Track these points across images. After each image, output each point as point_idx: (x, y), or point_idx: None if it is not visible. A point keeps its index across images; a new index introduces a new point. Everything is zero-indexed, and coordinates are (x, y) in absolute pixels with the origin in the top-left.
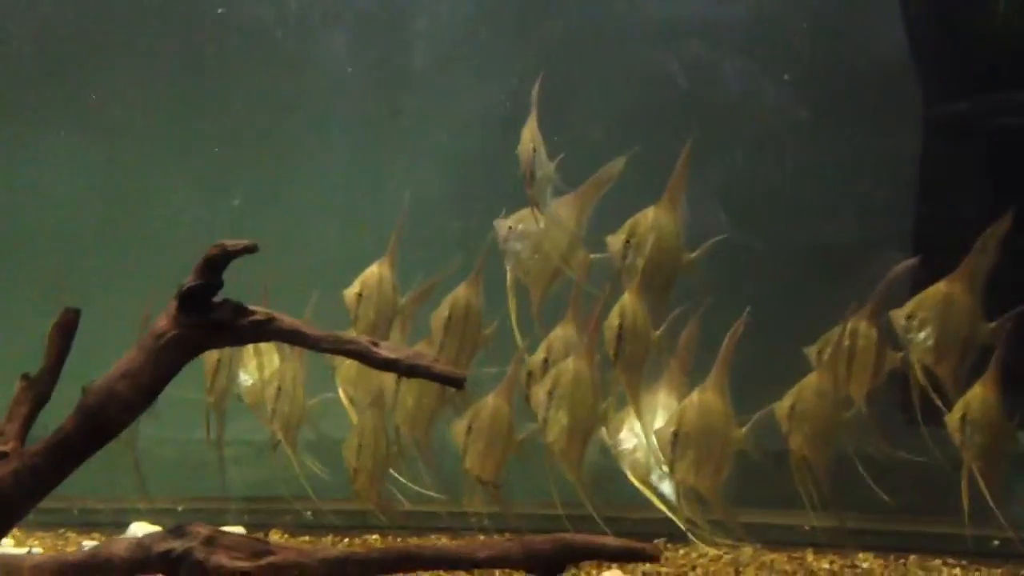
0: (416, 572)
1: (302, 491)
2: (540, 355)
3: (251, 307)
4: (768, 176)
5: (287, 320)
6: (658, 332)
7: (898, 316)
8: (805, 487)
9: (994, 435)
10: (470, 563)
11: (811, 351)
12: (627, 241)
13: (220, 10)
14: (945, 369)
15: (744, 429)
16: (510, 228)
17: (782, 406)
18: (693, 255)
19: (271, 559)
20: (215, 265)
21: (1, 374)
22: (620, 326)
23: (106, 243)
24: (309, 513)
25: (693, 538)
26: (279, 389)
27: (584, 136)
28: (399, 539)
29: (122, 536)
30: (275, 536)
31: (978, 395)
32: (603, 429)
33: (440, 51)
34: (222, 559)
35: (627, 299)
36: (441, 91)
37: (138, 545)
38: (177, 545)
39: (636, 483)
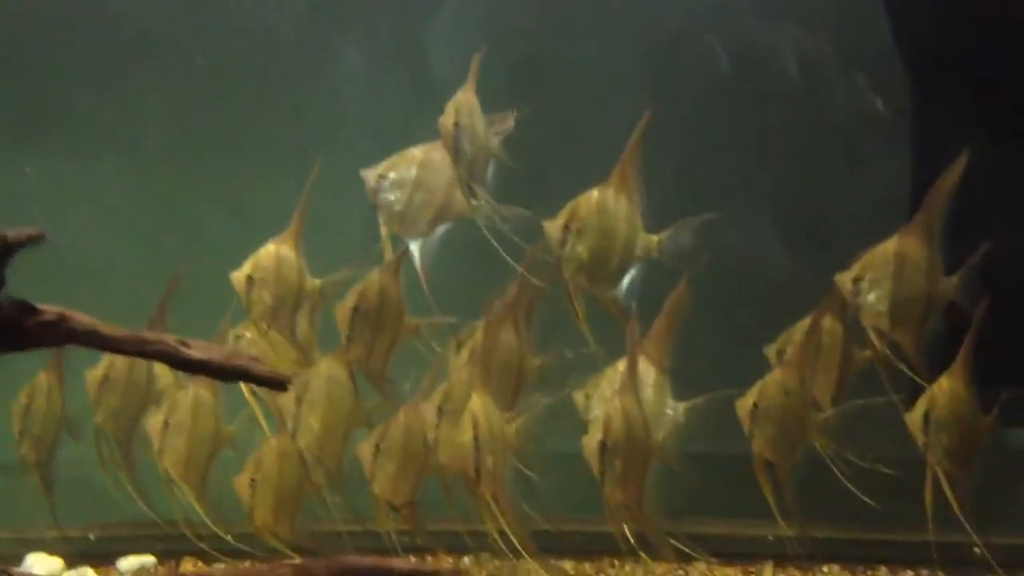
0: None
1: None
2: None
3: (41, 306)
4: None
5: (82, 320)
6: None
7: (844, 279)
8: (769, 494)
9: (963, 434)
10: None
11: (770, 350)
12: (566, 226)
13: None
14: (904, 334)
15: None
16: (380, 177)
17: (744, 404)
18: (657, 237)
19: None
20: None
21: None
22: (356, 308)
23: None
24: (230, 537)
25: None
26: (166, 423)
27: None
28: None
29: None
30: (188, 565)
31: (945, 388)
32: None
33: None
34: None
35: (373, 278)
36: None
37: None
38: None
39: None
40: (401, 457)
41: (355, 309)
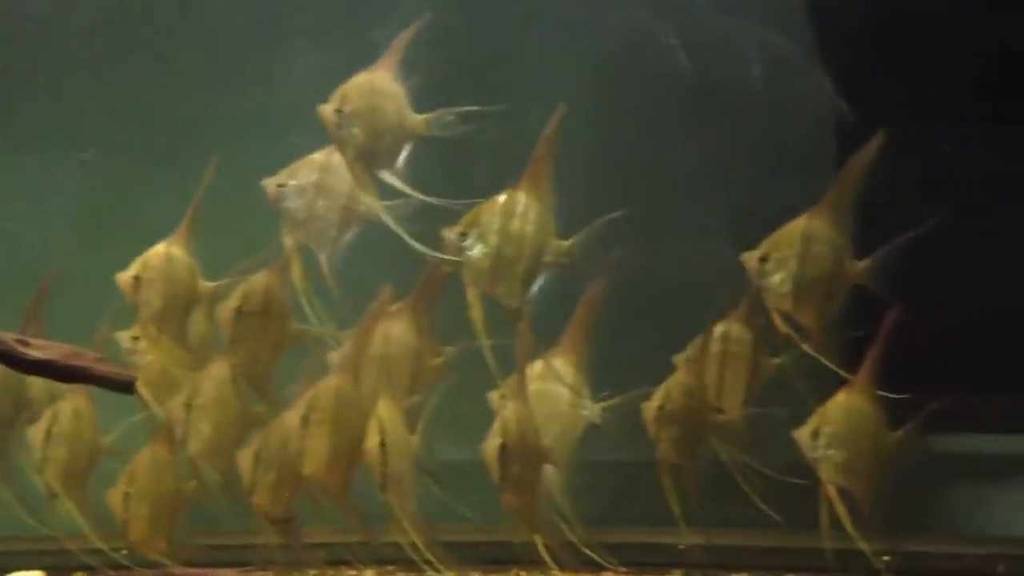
0: None
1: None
2: None
3: None
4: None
5: None
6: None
7: (750, 258)
8: (673, 499)
9: (862, 448)
10: None
11: (680, 359)
12: (463, 233)
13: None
14: (806, 314)
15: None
16: (280, 185)
17: (650, 407)
18: (568, 242)
19: None
20: None
21: None
22: (239, 309)
23: None
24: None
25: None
26: (48, 432)
27: None
28: None
29: None
30: None
31: (840, 403)
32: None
33: None
34: None
35: (258, 279)
36: None
37: None
38: None
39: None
40: (281, 467)
41: (238, 310)
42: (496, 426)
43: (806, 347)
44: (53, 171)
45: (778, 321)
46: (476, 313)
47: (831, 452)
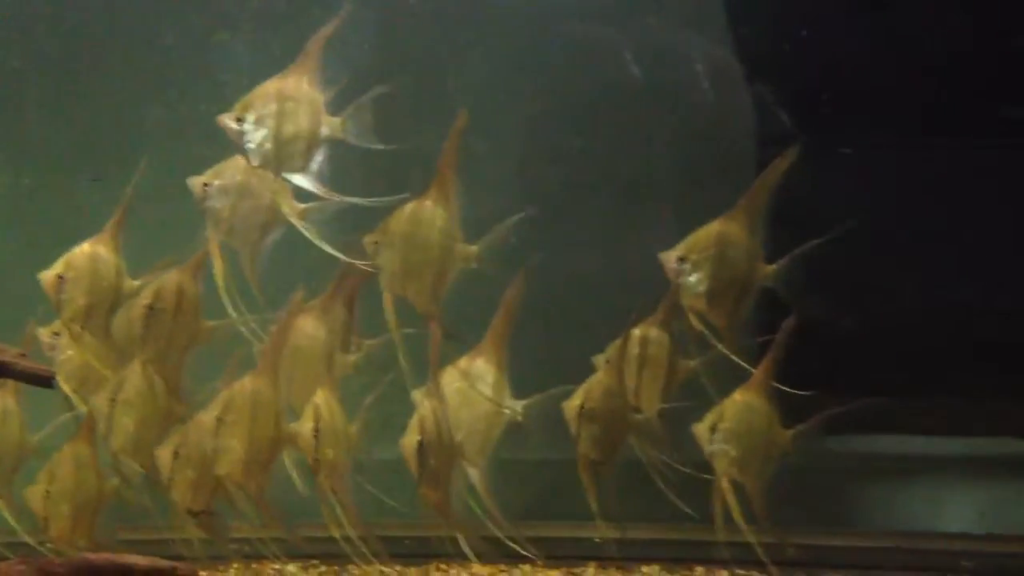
0: None
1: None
2: None
3: None
4: None
5: None
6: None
7: (668, 258)
8: (592, 496)
9: (754, 444)
10: None
11: (599, 360)
12: (375, 241)
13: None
14: (719, 315)
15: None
16: (206, 185)
17: (571, 405)
18: (474, 247)
19: None
20: None
21: None
22: (150, 307)
23: None
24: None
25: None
26: None
27: None
28: None
29: None
30: None
31: (737, 401)
32: None
33: None
34: None
35: (171, 277)
36: None
37: None
38: None
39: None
40: (200, 463)
41: (149, 307)
42: (413, 423)
43: (720, 347)
44: None
45: (693, 320)
46: (390, 315)
47: (728, 447)
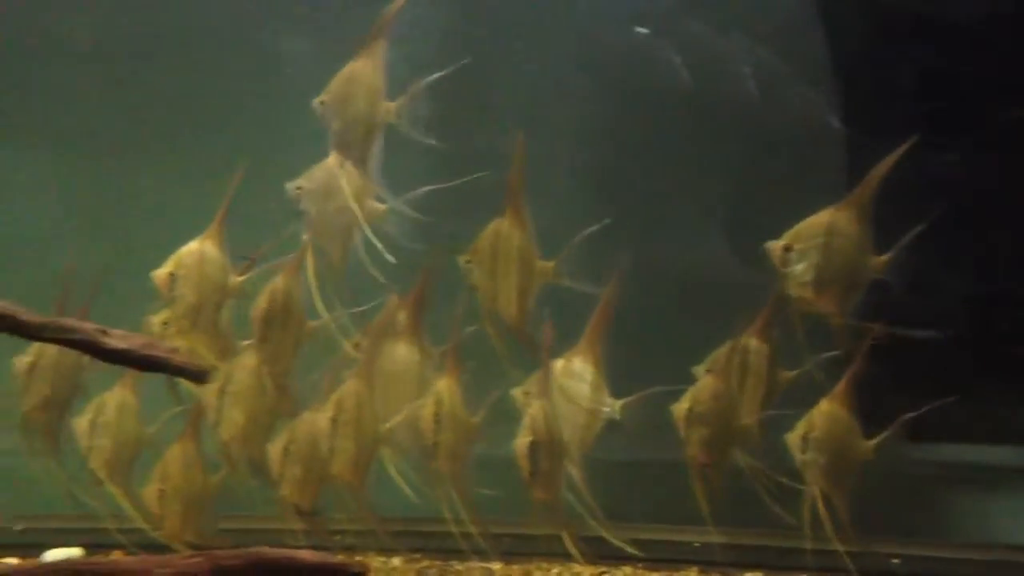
0: None
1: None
2: None
3: None
4: None
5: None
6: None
7: (775, 247)
8: (703, 498)
9: (839, 454)
10: None
11: (699, 370)
12: (468, 260)
13: None
14: (828, 305)
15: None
16: (299, 188)
17: (680, 408)
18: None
19: None
20: None
21: None
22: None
23: None
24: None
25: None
26: (93, 424)
27: None
28: None
29: None
30: None
31: (824, 411)
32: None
33: None
34: None
35: (279, 282)
36: None
37: None
38: None
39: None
40: (309, 461)
41: (267, 311)
42: (525, 423)
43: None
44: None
45: (799, 312)
46: (490, 328)
47: (818, 456)
